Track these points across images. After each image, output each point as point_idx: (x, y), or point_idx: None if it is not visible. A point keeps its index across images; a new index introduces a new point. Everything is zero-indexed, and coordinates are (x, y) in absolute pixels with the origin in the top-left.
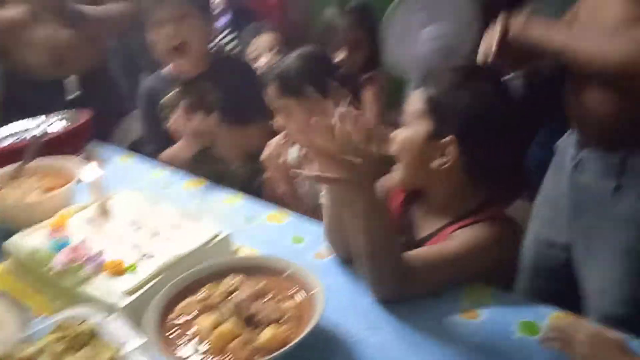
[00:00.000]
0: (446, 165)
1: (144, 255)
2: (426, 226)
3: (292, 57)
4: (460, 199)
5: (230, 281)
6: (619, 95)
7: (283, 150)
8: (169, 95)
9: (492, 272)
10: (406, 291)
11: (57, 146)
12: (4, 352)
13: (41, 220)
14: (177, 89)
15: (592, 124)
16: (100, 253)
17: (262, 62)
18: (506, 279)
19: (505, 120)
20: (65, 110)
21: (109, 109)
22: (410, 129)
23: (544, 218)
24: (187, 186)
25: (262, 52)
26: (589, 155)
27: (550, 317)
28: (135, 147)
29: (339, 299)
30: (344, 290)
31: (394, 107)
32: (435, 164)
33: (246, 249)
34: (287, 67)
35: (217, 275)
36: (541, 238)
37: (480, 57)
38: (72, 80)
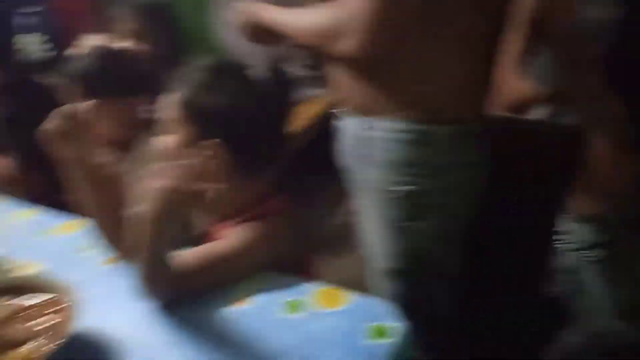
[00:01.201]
0: (218, 166)
1: None
2: (200, 223)
3: (90, 57)
4: (231, 197)
5: None
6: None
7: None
8: None
9: (273, 267)
10: (180, 293)
11: None
12: None
13: None
14: None
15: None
16: None
17: None
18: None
19: (264, 114)
20: None
21: None
22: (172, 135)
23: None
24: None
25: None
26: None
27: (314, 292)
28: None
29: (111, 305)
30: (118, 296)
31: None
32: (209, 167)
33: (29, 265)
34: (87, 68)
35: None
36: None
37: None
38: None
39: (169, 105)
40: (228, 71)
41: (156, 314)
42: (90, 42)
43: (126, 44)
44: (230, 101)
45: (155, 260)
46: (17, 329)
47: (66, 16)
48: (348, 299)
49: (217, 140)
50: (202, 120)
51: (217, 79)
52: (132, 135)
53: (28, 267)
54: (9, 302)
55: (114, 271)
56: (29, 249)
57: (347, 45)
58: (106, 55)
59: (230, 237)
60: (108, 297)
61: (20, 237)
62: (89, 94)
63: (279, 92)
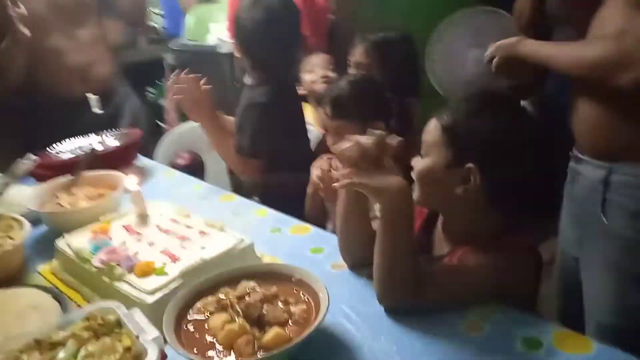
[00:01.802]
0: (467, 193)
1: (172, 258)
2: (442, 248)
3: (344, 83)
4: (480, 225)
5: (244, 285)
6: (606, 106)
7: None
8: None
9: (505, 295)
10: (413, 303)
11: (109, 161)
12: (42, 335)
13: (88, 223)
14: None
15: (585, 135)
16: (135, 255)
17: (312, 78)
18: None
19: (524, 145)
20: (119, 130)
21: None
22: (429, 158)
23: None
24: (222, 199)
25: (314, 69)
26: (583, 167)
27: (552, 333)
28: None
29: (349, 306)
30: (355, 298)
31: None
32: (458, 190)
33: (268, 257)
34: (340, 92)
35: (234, 279)
36: (562, 253)
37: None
38: (92, 99)
39: (431, 127)
40: (494, 102)
41: (386, 319)
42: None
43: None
44: (492, 129)
45: (394, 263)
46: (273, 311)
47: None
48: (590, 346)
49: (471, 165)
50: (459, 145)
51: (482, 106)
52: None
53: (267, 258)
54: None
55: (342, 275)
56: (266, 243)
57: (628, 78)
58: (357, 83)
59: (470, 261)
60: (337, 298)
61: (259, 232)
62: (337, 115)
63: (540, 128)
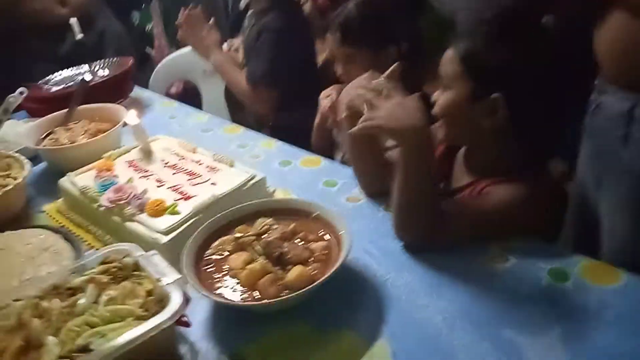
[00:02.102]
0: (495, 124)
1: (183, 196)
2: (462, 178)
3: (352, 6)
4: (502, 155)
5: (261, 222)
6: (637, 28)
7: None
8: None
9: (528, 230)
10: (435, 242)
11: (103, 92)
12: (58, 280)
13: (89, 161)
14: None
15: (611, 61)
16: (143, 193)
17: None
18: (547, 237)
19: (550, 70)
20: (109, 59)
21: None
22: (451, 92)
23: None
24: (226, 131)
25: None
26: (606, 99)
27: (580, 264)
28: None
29: (368, 240)
30: (374, 232)
31: None
32: (484, 123)
33: (280, 191)
34: (348, 17)
35: (250, 216)
36: (580, 186)
37: None
38: (74, 24)
39: (448, 59)
40: (515, 24)
41: (409, 256)
42: None
43: None
44: (515, 54)
45: (414, 202)
46: (294, 249)
47: None
48: (619, 277)
49: (497, 95)
50: (482, 75)
51: (501, 29)
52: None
53: (279, 193)
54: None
55: (358, 209)
56: (276, 177)
57: None
58: (366, 5)
59: (497, 194)
60: (356, 233)
61: (268, 166)
62: (346, 42)
63: (565, 49)
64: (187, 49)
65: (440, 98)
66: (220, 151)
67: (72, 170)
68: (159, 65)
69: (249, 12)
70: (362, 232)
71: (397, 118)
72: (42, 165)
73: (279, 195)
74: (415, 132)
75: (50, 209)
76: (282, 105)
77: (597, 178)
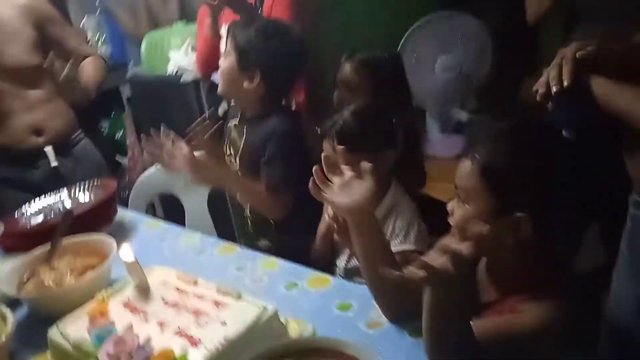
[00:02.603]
0: (521, 242)
1: (191, 341)
2: (489, 291)
3: (347, 114)
4: (527, 269)
5: None
6: None
7: None
8: (231, 121)
9: (566, 346)
10: None
11: (86, 221)
12: None
13: (79, 303)
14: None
15: None
16: (147, 342)
17: None
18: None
19: (579, 185)
20: (88, 182)
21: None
22: (469, 206)
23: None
24: (221, 251)
25: None
26: None
27: None
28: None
29: None
30: None
31: None
32: (507, 240)
33: (293, 322)
34: (344, 124)
35: None
36: (617, 307)
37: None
38: (49, 152)
39: (465, 172)
40: (537, 135)
41: None
42: None
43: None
44: (541, 170)
45: (445, 326)
46: None
47: None
48: None
49: (522, 215)
50: (506, 192)
51: (523, 141)
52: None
53: (292, 324)
54: None
55: (382, 336)
56: (283, 303)
57: None
58: (360, 113)
59: (528, 312)
60: None
61: (273, 290)
62: (344, 147)
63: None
64: None
65: (457, 212)
66: (218, 277)
67: (59, 315)
68: (138, 181)
69: (230, 123)
70: None
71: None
72: (23, 311)
73: (293, 327)
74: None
75: None
76: (294, 206)
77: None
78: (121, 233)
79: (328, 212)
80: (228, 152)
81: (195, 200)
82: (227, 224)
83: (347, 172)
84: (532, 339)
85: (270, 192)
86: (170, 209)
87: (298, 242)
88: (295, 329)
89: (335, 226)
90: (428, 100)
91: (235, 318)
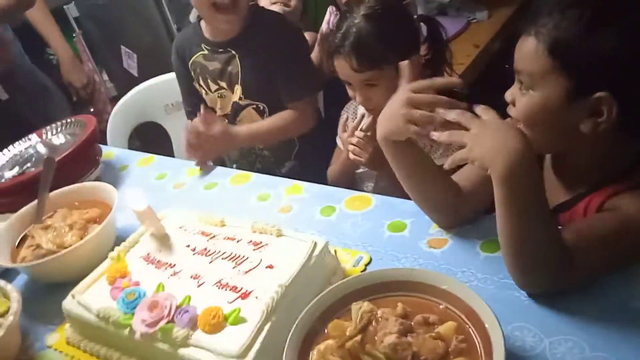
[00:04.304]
0: (602, 127)
1: (239, 293)
2: (561, 192)
3: (359, 20)
4: (610, 160)
5: (358, 311)
6: None
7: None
8: (194, 57)
9: None
10: (565, 281)
11: (70, 167)
12: None
13: (90, 265)
14: (204, 52)
15: None
16: (187, 302)
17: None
18: None
19: None
20: (61, 121)
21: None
22: (538, 92)
23: None
24: (234, 182)
25: None
26: None
27: None
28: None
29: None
30: (485, 285)
31: None
32: (585, 127)
33: (341, 251)
34: (359, 36)
35: (339, 305)
36: None
37: None
38: None
39: (529, 51)
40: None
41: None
42: None
43: None
44: (625, 41)
45: (531, 246)
46: (423, 344)
47: None
48: None
49: (603, 94)
50: (583, 70)
51: (602, 14)
52: None
53: (341, 253)
54: None
55: (448, 254)
56: (325, 231)
57: None
58: (377, 15)
59: (624, 207)
60: None
61: (308, 218)
62: (366, 65)
63: None
64: (141, 86)
65: (521, 100)
66: (239, 212)
67: (67, 281)
68: (114, 111)
69: (195, 57)
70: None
71: (482, 140)
72: (22, 278)
73: (344, 257)
74: (518, 155)
75: (57, 343)
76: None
77: None
78: (111, 175)
79: (349, 138)
80: (214, 87)
81: (180, 125)
82: None
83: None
84: (628, 241)
85: (299, 105)
86: (147, 140)
87: (324, 158)
88: (348, 259)
89: (364, 158)
90: None
91: (281, 259)
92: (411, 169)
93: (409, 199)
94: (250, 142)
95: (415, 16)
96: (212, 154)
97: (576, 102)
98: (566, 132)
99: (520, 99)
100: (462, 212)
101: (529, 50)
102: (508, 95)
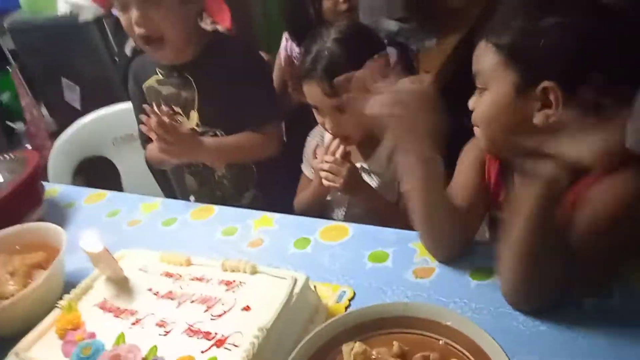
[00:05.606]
0: (552, 119)
1: (214, 341)
2: None
3: (330, 42)
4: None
5: (350, 354)
6: None
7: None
8: (148, 81)
9: None
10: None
11: (9, 206)
12: None
13: (36, 317)
14: (158, 76)
15: None
16: (154, 353)
17: None
18: None
19: (609, 42)
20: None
21: None
22: (490, 90)
23: None
24: (194, 216)
25: None
26: None
27: None
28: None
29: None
30: (480, 315)
31: None
32: (537, 119)
33: (322, 287)
34: (332, 58)
35: (326, 348)
36: None
37: None
38: None
39: (482, 53)
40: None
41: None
42: None
43: None
44: (565, 28)
45: (543, 266)
46: None
47: None
48: None
49: (550, 83)
50: (526, 59)
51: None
52: None
53: (321, 290)
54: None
55: (437, 283)
56: (302, 266)
57: None
58: (346, 37)
59: (600, 197)
60: None
61: (281, 251)
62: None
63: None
64: (86, 118)
65: (480, 103)
66: (204, 249)
67: (9, 335)
68: (56, 146)
69: (148, 82)
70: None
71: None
72: None
73: (324, 291)
74: (552, 180)
75: None
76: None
77: None
78: (56, 214)
79: (319, 165)
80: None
81: (130, 159)
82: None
83: None
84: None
85: (260, 129)
86: (94, 176)
87: (285, 187)
88: (329, 295)
89: (339, 183)
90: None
91: (259, 299)
92: (441, 193)
93: (385, 226)
94: (215, 154)
95: (385, 41)
96: (177, 153)
97: (525, 94)
98: (521, 127)
99: (479, 101)
100: (463, 245)
101: (479, 50)
102: (470, 103)
